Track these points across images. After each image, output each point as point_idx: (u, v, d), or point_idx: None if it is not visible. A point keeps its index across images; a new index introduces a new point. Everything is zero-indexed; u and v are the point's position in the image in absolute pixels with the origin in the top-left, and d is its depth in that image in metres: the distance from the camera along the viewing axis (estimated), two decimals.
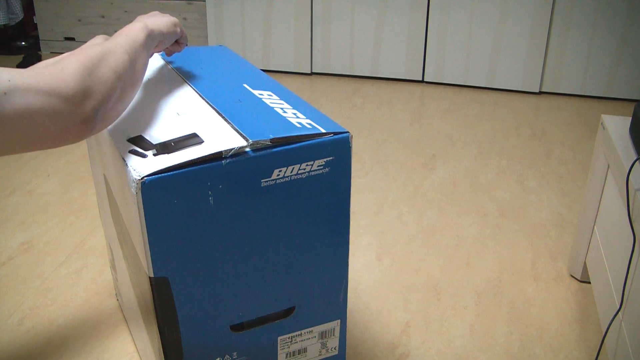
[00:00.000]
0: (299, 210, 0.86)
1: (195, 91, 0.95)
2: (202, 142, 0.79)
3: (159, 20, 0.92)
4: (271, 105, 0.91)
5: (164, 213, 0.77)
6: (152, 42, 0.89)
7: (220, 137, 0.81)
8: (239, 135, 0.80)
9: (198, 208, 0.78)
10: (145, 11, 2.76)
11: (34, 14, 2.89)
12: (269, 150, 0.80)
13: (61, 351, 1.15)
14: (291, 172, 0.82)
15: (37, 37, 2.95)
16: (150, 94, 0.96)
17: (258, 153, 0.79)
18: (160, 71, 1.06)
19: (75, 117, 0.70)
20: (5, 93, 0.63)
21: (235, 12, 2.62)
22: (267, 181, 0.81)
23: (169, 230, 0.78)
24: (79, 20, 2.82)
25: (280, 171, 0.81)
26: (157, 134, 0.82)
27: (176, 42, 1.00)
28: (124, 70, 0.78)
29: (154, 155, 0.77)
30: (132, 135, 0.83)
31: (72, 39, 2.86)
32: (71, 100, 0.70)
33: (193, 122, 0.85)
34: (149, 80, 1.02)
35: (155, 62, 1.10)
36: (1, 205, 1.64)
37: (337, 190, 0.87)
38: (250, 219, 0.83)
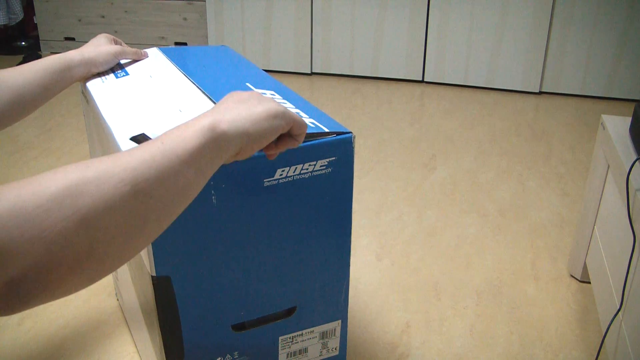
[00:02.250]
0: (302, 210, 0.86)
1: (198, 87, 0.95)
2: None
3: (242, 114, 0.58)
4: None
5: None
6: (220, 153, 0.56)
7: None
8: None
9: (201, 207, 0.78)
10: (145, 11, 2.76)
11: (34, 14, 2.89)
12: None
13: (61, 351, 1.15)
14: (294, 172, 0.82)
15: (37, 37, 2.94)
16: (152, 90, 0.96)
17: (261, 152, 0.79)
18: (162, 68, 1.06)
19: None
20: None
21: (235, 12, 2.62)
22: (269, 181, 0.81)
23: (171, 229, 0.78)
24: (79, 20, 2.82)
25: (283, 171, 0.81)
26: (159, 131, 0.82)
27: (287, 135, 0.66)
28: (108, 219, 0.46)
29: None
30: (135, 134, 0.83)
31: (72, 39, 2.86)
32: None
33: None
34: (151, 77, 1.02)
35: (156, 58, 1.10)
36: None
37: (339, 190, 0.87)
38: (253, 219, 0.83)
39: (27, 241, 0.42)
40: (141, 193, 0.48)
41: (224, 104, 0.60)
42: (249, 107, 0.60)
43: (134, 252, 0.50)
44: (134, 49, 1.06)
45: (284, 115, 0.62)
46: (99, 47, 1.01)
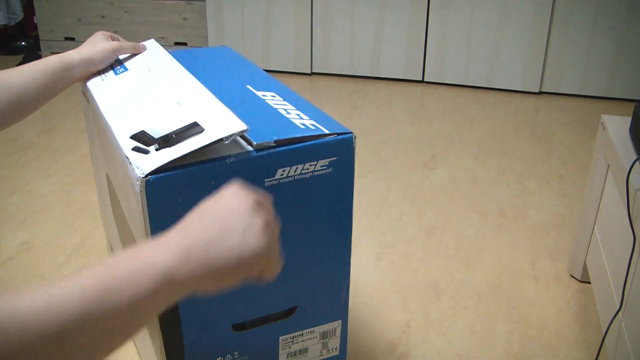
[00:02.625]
0: (302, 210, 0.86)
1: (196, 80, 0.95)
2: (203, 130, 0.78)
3: (216, 253, 0.51)
4: (275, 106, 0.91)
5: (168, 211, 0.77)
6: (168, 300, 0.50)
7: (220, 123, 0.80)
8: (240, 121, 0.80)
9: None
10: (145, 11, 2.76)
11: (34, 14, 2.89)
12: (272, 150, 0.80)
13: None
14: (295, 172, 0.82)
15: (37, 37, 2.94)
16: (151, 85, 0.96)
17: (262, 153, 0.79)
18: (161, 61, 1.06)
19: None
20: None
21: (235, 12, 2.62)
22: (270, 181, 0.81)
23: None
24: (79, 20, 2.82)
25: (283, 171, 0.81)
26: (159, 126, 0.82)
27: None
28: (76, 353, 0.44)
29: (156, 150, 0.77)
30: (135, 131, 0.82)
31: (72, 39, 2.86)
32: None
33: (194, 111, 0.84)
34: (150, 71, 1.02)
35: (155, 51, 1.09)
36: (1, 205, 1.64)
37: (340, 191, 0.87)
38: None
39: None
40: (67, 345, 0.44)
41: (197, 228, 0.52)
42: (223, 248, 0.51)
43: None
44: (131, 43, 1.05)
45: (261, 261, 0.54)
46: (97, 45, 1.00)
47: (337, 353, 1.03)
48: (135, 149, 0.78)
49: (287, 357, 0.98)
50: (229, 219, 0.52)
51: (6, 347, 0.41)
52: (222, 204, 0.54)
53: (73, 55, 0.97)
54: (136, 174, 0.74)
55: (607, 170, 1.20)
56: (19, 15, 2.78)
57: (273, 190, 0.82)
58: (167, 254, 0.49)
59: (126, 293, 0.46)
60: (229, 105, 0.92)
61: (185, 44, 2.78)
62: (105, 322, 0.45)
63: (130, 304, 0.46)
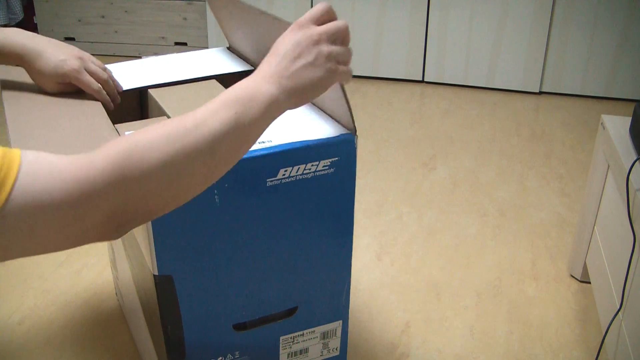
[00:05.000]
0: (304, 210, 0.86)
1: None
2: None
3: (307, 82, 0.66)
4: None
5: (169, 212, 0.77)
6: (277, 112, 0.66)
7: None
8: None
9: (204, 206, 0.79)
10: (145, 11, 2.76)
11: (34, 14, 2.89)
12: (274, 150, 0.80)
13: (61, 351, 1.15)
14: (297, 172, 0.82)
15: None
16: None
17: (264, 152, 0.79)
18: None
19: (93, 236, 0.57)
20: (21, 209, 0.52)
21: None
22: (272, 180, 0.81)
23: (174, 228, 0.78)
24: (79, 20, 2.82)
25: (285, 171, 0.81)
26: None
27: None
28: (188, 178, 0.59)
29: None
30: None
31: (72, 39, 2.86)
32: (91, 223, 0.56)
33: None
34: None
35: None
36: None
37: (341, 191, 0.87)
38: (255, 218, 0.83)
39: (130, 198, 0.57)
40: (216, 158, 0.60)
41: (280, 61, 0.66)
42: (301, 77, 0.66)
43: (205, 187, 0.63)
44: (87, 79, 0.90)
45: (332, 78, 0.69)
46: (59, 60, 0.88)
47: (337, 353, 1.03)
48: None
49: (288, 357, 0.98)
50: (298, 53, 0.67)
51: (174, 155, 0.57)
52: (289, 41, 0.68)
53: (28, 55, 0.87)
54: None
55: (607, 170, 1.20)
56: (19, 15, 2.78)
57: (275, 190, 0.82)
58: (266, 85, 0.64)
59: (248, 115, 0.62)
60: None
61: (185, 44, 2.78)
62: (236, 137, 0.61)
63: (252, 122, 0.62)
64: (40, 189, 0.53)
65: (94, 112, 0.87)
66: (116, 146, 0.57)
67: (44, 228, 0.54)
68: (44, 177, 0.53)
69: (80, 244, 0.57)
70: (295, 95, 0.66)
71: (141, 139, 0.58)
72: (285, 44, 0.67)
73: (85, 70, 0.90)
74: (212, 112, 0.60)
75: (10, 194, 0.51)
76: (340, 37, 0.71)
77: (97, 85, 0.90)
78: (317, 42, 0.68)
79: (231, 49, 1.17)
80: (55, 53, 0.88)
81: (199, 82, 1.01)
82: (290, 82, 0.65)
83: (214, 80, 1.02)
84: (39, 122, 0.83)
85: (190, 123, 0.59)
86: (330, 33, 0.69)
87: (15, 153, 0.53)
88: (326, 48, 0.69)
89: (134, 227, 0.60)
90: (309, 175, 0.84)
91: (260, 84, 0.64)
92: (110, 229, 0.58)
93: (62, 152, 0.61)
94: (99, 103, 0.89)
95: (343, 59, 0.71)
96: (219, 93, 0.91)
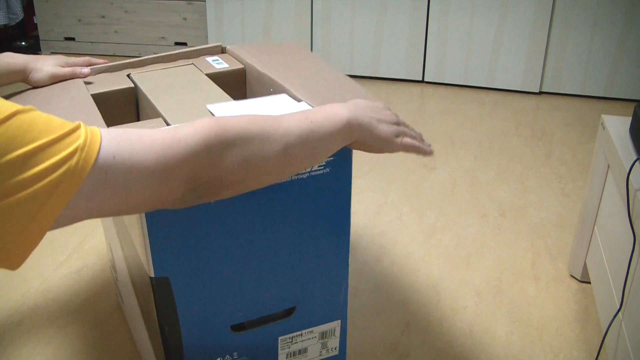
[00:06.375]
0: (300, 210, 0.86)
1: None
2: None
3: (375, 124, 0.79)
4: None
5: (165, 213, 0.77)
6: (342, 141, 0.77)
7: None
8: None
9: (199, 208, 0.78)
10: (145, 11, 2.76)
11: (34, 14, 2.89)
12: None
13: (61, 351, 1.15)
14: None
15: (37, 37, 2.94)
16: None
17: None
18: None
19: (173, 196, 0.65)
20: (106, 172, 0.59)
21: (235, 12, 2.62)
22: None
23: (169, 230, 0.78)
24: (79, 20, 2.82)
25: None
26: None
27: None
28: (265, 164, 0.70)
29: None
30: None
31: (72, 39, 2.86)
32: (174, 185, 0.64)
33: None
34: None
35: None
36: None
37: (338, 191, 0.87)
38: (252, 219, 0.83)
39: (210, 168, 0.66)
40: (288, 155, 0.71)
41: (360, 105, 0.80)
42: (377, 122, 0.80)
43: (271, 182, 0.73)
44: (70, 69, 1.03)
45: (393, 145, 0.82)
46: (44, 66, 1.01)
47: (336, 353, 1.02)
48: None
49: (287, 357, 0.98)
50: (373, 111, 0.81)
51: (253, 136, 0.68)
52: (365, 103, 0.82)
53: (20, 62, 0.99)
54: None
55: (607, 170, 1.20)
56: (19, 15, 2.78)
57: (270, 190, 0.82)
58: (344, 111, 0.77)
59: (324, 128, 0.73)
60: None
61: (185, 44, 2.78)
62: (308, 143, 0.72)
63: (326, 135, 0.74)
64: (131, 150, 0.61)
65: (77, 86, 0.99)
66: (206, 120, 0.67)
67: (137, 185, 0.61)
68: (134, 140, 0.62)
69: (164, 206, 0.66)
70: (364, 131, 0.78)
71: (229, 118, 0.68)
72: (371, 103, 0.82)
73: (67, 63, 1.04)
74: (292, 116, 0.72)
75: (98, 152, 0.58)
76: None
77: (82, 69, 1.04)
78: (396, 117, 0.84)
79: (228, 51, 1.16)
80: (46, 63, 1.01)
81: (179, 67, 1.06)
82: (366, 120, 0.78)
83: (191, 65, 1.07)
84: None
85: (272, 118, 0.71)
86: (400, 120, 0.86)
87: (95, 128, 0.61)
88: (402, 125, 0.85)
89: (209, 199, 0.69)
90: (305, 175, 0.83)
91: (340, 109, 0.77)
92: (189, 193, 0.66)
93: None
94: (80, 80, 1.02)
95: (411, 135, 0.85)
96: (198, 77, 0.98)
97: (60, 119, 0.59)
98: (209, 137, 0.65)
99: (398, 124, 0.83)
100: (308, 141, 0.72)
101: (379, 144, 0.80)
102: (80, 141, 0.58)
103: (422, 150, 0.86)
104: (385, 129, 0.80)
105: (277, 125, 0.70)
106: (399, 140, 0.82)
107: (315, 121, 0.73)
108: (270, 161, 0.69)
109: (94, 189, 0.58)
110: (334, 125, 0.74)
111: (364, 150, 0.81)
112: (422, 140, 0.87)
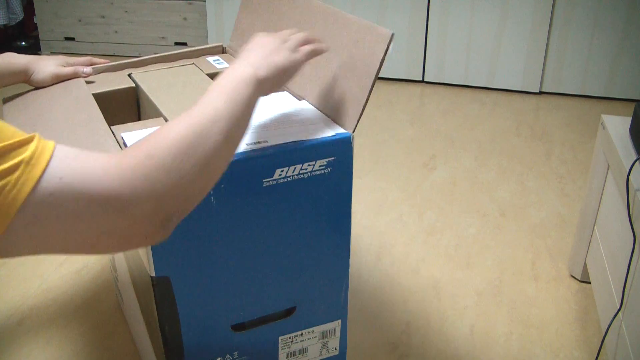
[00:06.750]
0: (301, 210, 0.86)
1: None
2: None
3: (272, 62, 0.75)
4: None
5: None
6: (261, 96, 0.74)
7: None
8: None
9: (200, 207, 0.78)
10: (145, 11, 2.76)
11: (34, 14, 2.89)
12: (271, 150, 0.80)
13: (61, 351, 1.15)
14: (293, 172, 0.82)
15: (37, 37, 2.94)
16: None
17: (260, 153, 0.79)
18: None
19: (138, 230, 0.58)
20: (51, 194, 0.52)
21: (235, 12, 2.62)
22: (269, 181, 0.81)
23: None
24: (79, 20, 2.82)
25: (282, 171, 0.81)
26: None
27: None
28: (213, 158, 0.63)
29: None
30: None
31: (72, 39, 2.86)
32: (135, 214, 0.56)
33: None
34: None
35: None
36: None
37: (338, 190, 0.87)
38: (252, 219, 0.83)
39: (174, 191, 0.59)
40: (229, 138, 0.65)
41: (253, 52, 0.76)
42: (273, 56, 0.76)
43: (223, 172, 0.67)
44: (72, 69, 1.03)
45: (298, 61, 0.80)
46: (46, 67, 1.01)
47: (336, 353, 1.02)
48: None
49: (287, 357, 0.98)
50: (266, 46, 0.78)
51: (187, 131, 0.61)
52: (257, 41, 0.79)
53: (21, 63, 0.99)
54: None
55: (607, 170, 1.20)
56: (19, 15, 2.78)
57: (271, 190, 0.82)
58: (248, 67, 0.72)
59: (242, 94, 0.69)
60: None
61: (185, 44, 2.78)
62: (237, 114, 0.67)
63: (246, 100, 0.69)
64: (83, 173, 0.54)
65: (79, 86, 1.00)
66: (139, 142, 0.61)
67: (88, 214, 0.54)
68: (89, 162, 0.55)
69: (131, 245, 0.59)
70: (271, 75, 0.75)
71: (160, 129, 0.62)
72: (257, 42, 0.79)
73: (68, 63, 1.04)
74: (210, 99, 0.67)
75: (45, 170, 0.52)
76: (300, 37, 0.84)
77: (84, 68, 1.05)
78: (282, 38, 0.81)
79: (229, 48, 1.16)
80: (48, 63, 1.01)
81: (180, 67, 1.07)
82: (264, 63, 0.75)
83: (192, 65, 1.07)
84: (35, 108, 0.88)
85: (196, 111, 0.65)
86: (288, 34, 0.84)
87: (50, 142, 0.55)
88: (291, 35, 0.83)
89: (179, 219, 0.62)
90: (306, 175, 0.83)
91: (241, 68, 0.72)
92: (156, 223, 0.59)
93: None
94: (82, 80, 1.02)
95: (304, 41, 0.83)
96: (199, 77, 0.98)
97: (13, 128, 0.53)
98: (149, 151, 0.58)
99: (286, 40, 0.81)
100: (235, 115, 0.66)
101: (285, 74, 0.78)
102: (26, 155, 0.52)
103: (320, 50, 0.84)
104: (282, 57, 0.77)
105: (206, 116, 0.64)
106: (297, 55, 0.80)
107: (229, 93, 0.68)
108: (211, 145, 0.63)
109: (36, 211, 0.52)
110: (245, 89, 0.70)
111: (278, 88, 0.79)
112: (314, 40, 0.84)
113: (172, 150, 0.59)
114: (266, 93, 0.76)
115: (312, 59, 0.84)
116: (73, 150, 0.56)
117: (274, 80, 0.76)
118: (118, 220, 0.56)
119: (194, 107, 0.65)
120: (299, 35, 0.83)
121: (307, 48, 0.82)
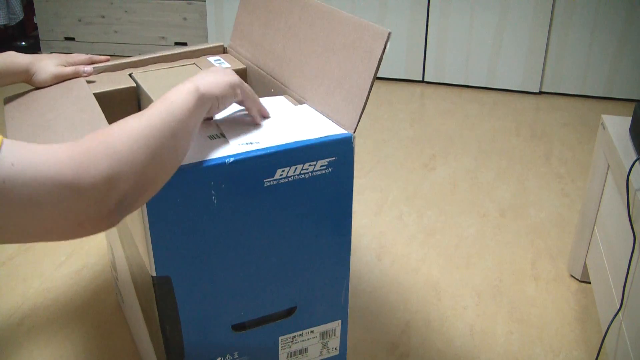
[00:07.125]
0: (302, 210, 0.86)
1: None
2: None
3: (212, 81, 0.80)
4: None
5: (167, 211, 0.77)
6: (203, 107, 0.77)
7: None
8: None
9: (201, 207, 0.78)
10: (145, 11, 2.76)
11: (34, 14, 2.89)
12: (271, 150, 0.80)
13: (61, 351, 1.15)
14: (294, 172, 0.82)
15: (37, 37, 2.94)
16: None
17: (261, 152, 0.79)
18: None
19: (92, 213, 0.59)
20: (3, 181, 0.53)
21: (235, 12, 2.62)
22: (270, 181, 0.81)
23: (171, 229, 0.78)
24: (79, 20, 2.82)
25: (283, 171, 0.81)
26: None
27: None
28: (162, 150, 0.67)
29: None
30: None
31: (72, 39, 2.86)
32: (89, 195, 0.58)
33: None
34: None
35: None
36: None
37: (339, 191, 0.87)
38: (253, 219, 0.83)
39: (128, 172, 0.62)
40: (174, 136, 0.69)
41: (199, 77, 0.80)
42: (215, 78, 0.81)
43: (167, 179, 0.70)
44: (72, 68, 1.04)
45: (242, 86, 0.84)
46: (47, 67, 1.01)
47: (337, 353, 1.02)
48: None
49: (287, 357, 0.98)
50: (212, 72, 0.82)
51: (143, 127, 0.65)
52: (205, 72, 0.83)
53: (22, 62, 0.99)
54: None
55: (607, 170, 1.20)
56: (19, 15, 2.78)
57: (272, 190, 0.82)
58: (190, 83, 0.76)
59: (182, 108, 0.71)
60: None
61: (185, 43, 2.78)
62: (183, 117, 0.71)
63: (186, 112, 0.71)
64: (32, 158, 0.56)
65: (80, 86, 1.01)
66: (94, 132, 0.63)
67: (44, 199, 0.55)
68: (39, 150, 0.57)
69: (82, 231, 0.60)
70: (207, 86, 0.78)
71: (115, 123, 0.66)
72: (208, 71, 0.83)
73: (69, 62, 1.05)
74: (160, 103, 0.71)
75: None
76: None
77: (85, 68, 1.05)
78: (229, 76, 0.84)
79: (230, 48, 1.16)
80: (49, 63, 1.01)
81: (180, 67, 1.08)
82: (203, 81, 0.79)
83: (193, 65, 1.08)
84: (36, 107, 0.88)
85: (155, 109, 0.69)
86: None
87: None
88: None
89: (131, 206, 0.65)
90: (307, 175, 0.83)
91: (186, 83, 0.76)
92: (110, 205, 0.61)
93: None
94: (83, 80, 1.03)
95: (248, 105, 0.86)
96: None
97: None
98: (104, 139, 0.62)
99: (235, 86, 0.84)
100: (181, 119, 0.70)
101: (227, 99, 0.82)
102: None
103: (260, 110, 0.87)
104: (225, 77, 0.82)
105: (166, 114, 0.69)
106: (232, 86, 0.82)
107: (175, 101, 0.72)
108: (171, 148, 0.68)
109: None
110: (188, 98, 0.73)
111: (223, 107, 0.82)
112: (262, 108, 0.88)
113: (123, 139, 0.63)
114: (206, 110, 0.78)
115: (311, 61, 0.84)
116: (23, 142, 0.58)
117: (213, 98, 0.79)
118: (73, 202, 0.57)
119: (143, 110, 0.70)
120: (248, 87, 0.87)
121: (248, 87, 0.85)
